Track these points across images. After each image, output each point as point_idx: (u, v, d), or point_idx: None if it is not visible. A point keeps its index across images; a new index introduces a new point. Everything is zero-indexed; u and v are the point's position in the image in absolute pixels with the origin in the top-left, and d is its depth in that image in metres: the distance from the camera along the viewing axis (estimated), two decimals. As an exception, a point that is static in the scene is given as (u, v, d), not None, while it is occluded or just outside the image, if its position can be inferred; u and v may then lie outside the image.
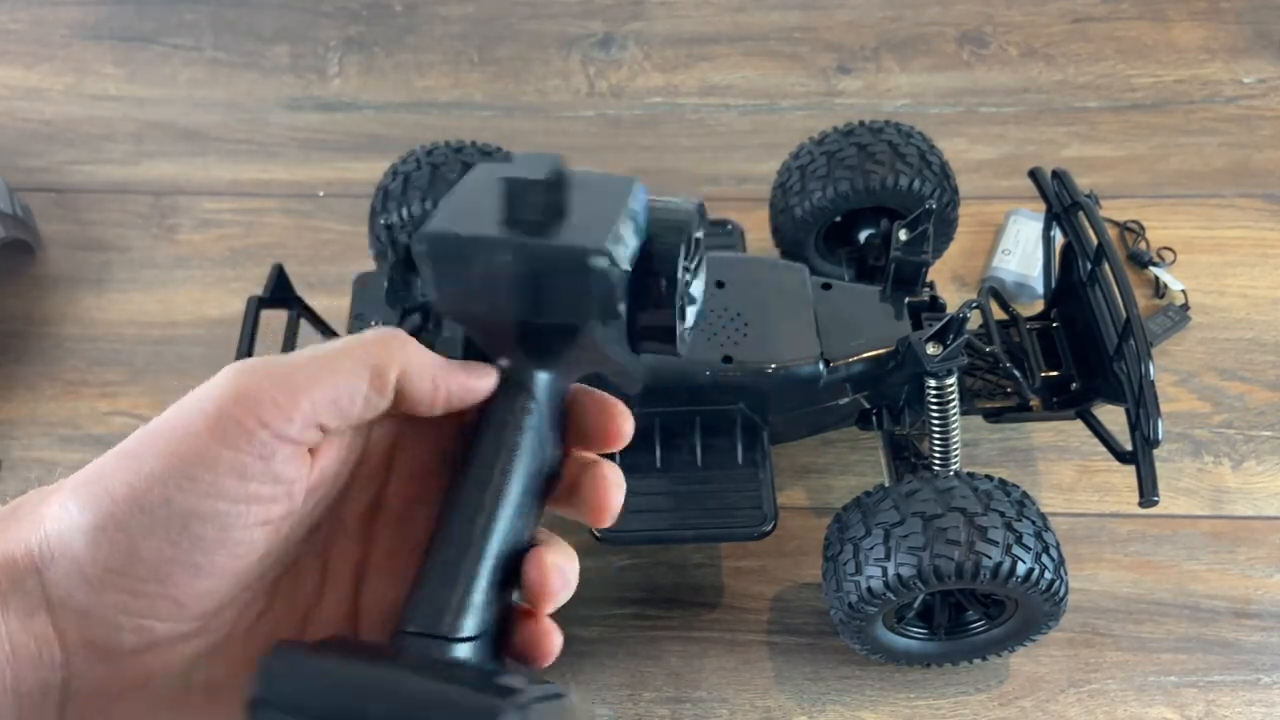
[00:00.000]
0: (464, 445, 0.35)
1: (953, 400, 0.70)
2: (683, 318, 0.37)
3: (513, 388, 0.35)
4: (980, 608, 0.73)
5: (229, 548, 0.30)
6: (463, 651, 0.31)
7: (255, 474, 0.29)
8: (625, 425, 0.37)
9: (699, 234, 0.37)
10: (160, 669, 0.30)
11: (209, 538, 0.29)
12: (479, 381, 0.34)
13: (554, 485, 0.36)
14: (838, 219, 0.84)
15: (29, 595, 0.29)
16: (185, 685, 0.31)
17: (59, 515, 0.29)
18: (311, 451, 0.32)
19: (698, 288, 0.38)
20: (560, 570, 0.34)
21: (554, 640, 0.34)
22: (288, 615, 0.33)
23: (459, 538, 0.32)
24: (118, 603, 0.29)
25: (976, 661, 0.75)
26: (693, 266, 0.36)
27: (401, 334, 0.33)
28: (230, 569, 0.30)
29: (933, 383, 0.69)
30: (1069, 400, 0.78)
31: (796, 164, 0.84)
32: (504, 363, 0.36)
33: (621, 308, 0.34)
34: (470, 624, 0.31)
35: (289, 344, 0.77)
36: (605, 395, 0.37)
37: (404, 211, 0.81)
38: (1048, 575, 0.64)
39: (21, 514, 0.30)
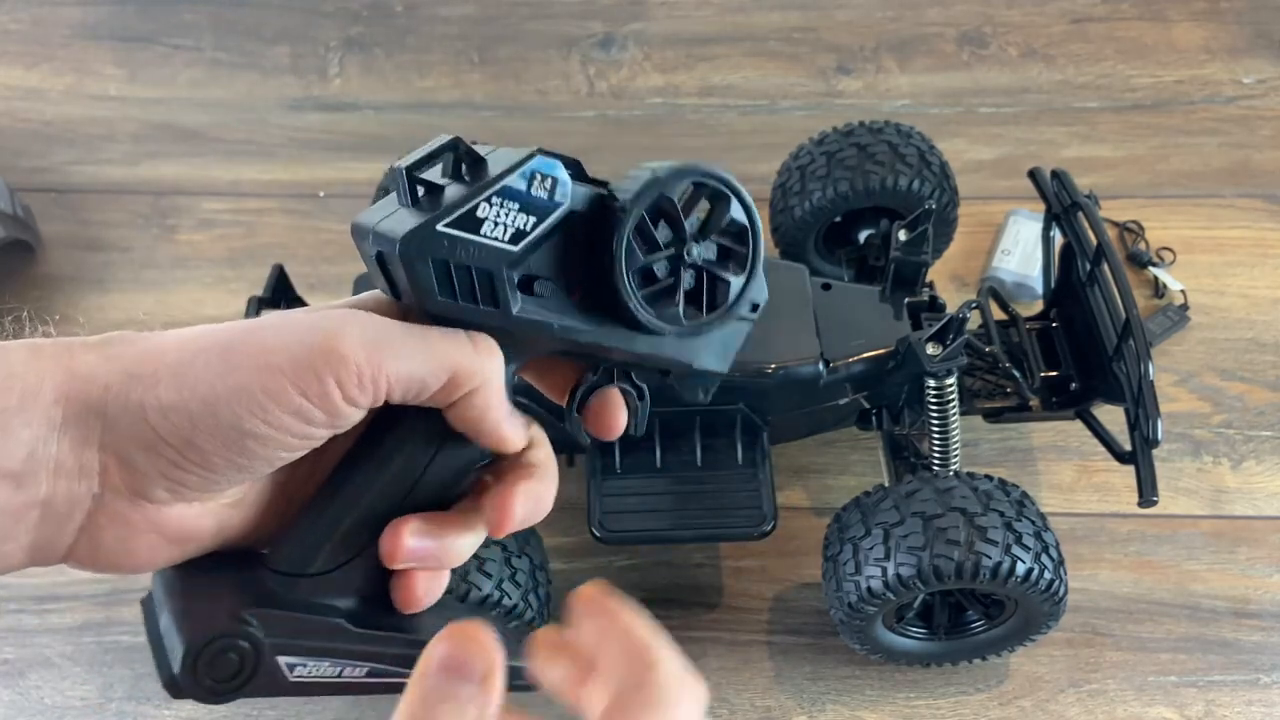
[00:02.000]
0: None
1: (952, 400, 0.70)
2: (659, 297, 0.35)
3: None
4: (980, 607, 0.73)
5: (272, 461, 0.33)
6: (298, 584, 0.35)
7: (317, 421, 0.32)
8: (617, 418, 0.38)
9: (675, 195, 0.34)
10: (178, 520, 0.34)
11: (259, 453, 0.32)
12: (515, 437, 0.36)
13: (470, 472, 0.37)
14: (837, 219, 0.85)
15: (88, 429, 0.32)
16: (199, 536, 0.35)
17: (144, 378, 0.33)
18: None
19: (702, 252, 0.35)
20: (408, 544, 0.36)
21: (416, 593, 0.36)
22: (296, 490, 0.37)
23: (328, 491, 0.36)
24: (161, 468, 0.32)
25: (976, 661, 0.75)
26: (686, 233, 0.35)
27: (495, 351, 0.35)
28: (263, 470, 0.34)
29: (932, 383, 0.69)
30: (1068, 400, 0.78)
31: (796, 164, 0.84)
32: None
33: (404, 288, 0.33)
34: (316, 564, 0.35)
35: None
36: (610, 389, 0.38)
37: (404, 212, 0.81)
38: (1047, 575, 0.64)
39: (110, 350, 0.34)
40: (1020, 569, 0.63)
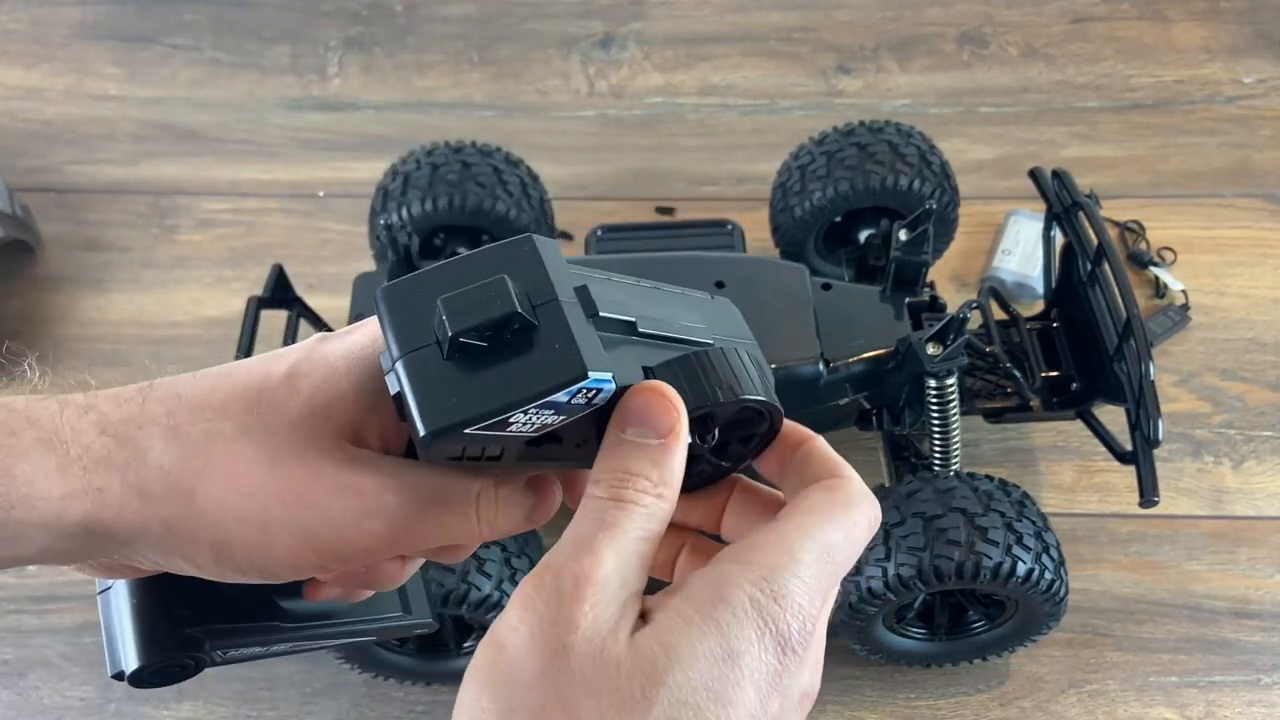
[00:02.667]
0: None
1: (953, 400, 0.70)
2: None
3: None
4: (980, 608, 0.73)
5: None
6: None
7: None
8: (546, 504, 0.35)
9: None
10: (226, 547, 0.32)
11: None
12: (549, 508, 0.35)
13: None
14: (838, 219, 0.84)
15: (150, 496, 0.30)
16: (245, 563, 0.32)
17: (185, 543, 0.31)
18: None
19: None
20: None
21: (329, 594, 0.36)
22: None
23: None
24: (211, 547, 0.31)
25: (977, 662, 0.75)
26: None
27: (501, 509, 0.34)
28: None
29: (933, 383, 0.69)
30: (1069, 400, 0.78)
31: (796, 164, 0.84)
32: None
33: (414, 436, 0.31)
34: None
35: (289, 344, 0.77)
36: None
37: (404, 211, 0.81)
38: (1048, 575, 0.64)
39: (183, 436, 0.31)
40: (1021, 569, 0.63)
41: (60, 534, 0.29)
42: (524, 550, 0.68)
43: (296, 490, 0.30)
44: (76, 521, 0.29)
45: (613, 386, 0.31)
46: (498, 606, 0.65)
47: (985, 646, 0.73)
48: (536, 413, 0.30)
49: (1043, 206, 0.78)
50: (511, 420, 0.30)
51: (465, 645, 0.73)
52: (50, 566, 0.84)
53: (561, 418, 0.31)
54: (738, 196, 1.03)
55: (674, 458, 0.30)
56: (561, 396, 0.30)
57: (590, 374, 0.30)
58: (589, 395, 0.30)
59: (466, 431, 0.30)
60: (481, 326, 0.29)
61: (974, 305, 0.70)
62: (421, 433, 0.29)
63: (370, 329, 0.33)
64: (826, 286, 0.74)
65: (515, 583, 0.66)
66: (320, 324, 0.82)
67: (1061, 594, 0.66)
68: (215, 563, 0.31)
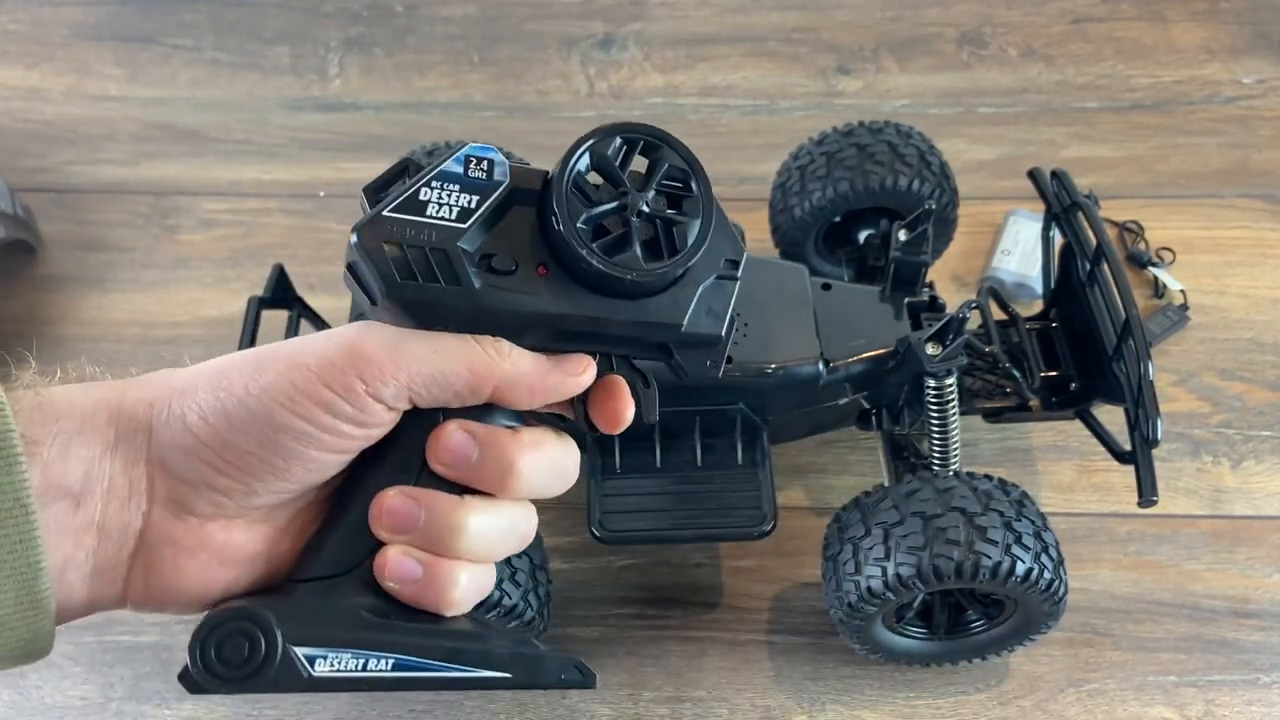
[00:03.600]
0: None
1: (952, 400, 0.70)
2: (614, 247, 0.36)
3: None
4: (980, 607, 0.73)
5: (304, 462, 0.35)
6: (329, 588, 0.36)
7: (344, 415, 0.34)
8: (622, 405, 0.38)
9: (606, 151, 0.36)
10: (224, 538, 0.36)
11: (292, 450, 0.34)
12: (576, 379, 0.37)
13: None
14: (837, 219, 0.85)
15: (136, 447, 0.35)
16: (249, 559, 0.36)
17: (184, 390, 0.35)
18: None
19: (649, 201, 0.37)
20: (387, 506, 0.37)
21: (400, 566, 0.37)
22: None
23: (344, 488, 0.37)
24: (203, 474, 0.34)
25: (976, 661, 0.76)
26: (626, 185, 0.36)
27: (504, 345, 0.36)
28: (301, 478, 0.35)
29: (932, 383, 0.69)
30: (1068, 400, 0.78)
31: (796, 164, 0.84)
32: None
33: (373, 286, 0.35)
34: (333, 564, 0.36)
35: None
36: (612, 375, 0.39)
37: (404, 212, 0.81)
38: (1047, 575, 0.64)
39: (151, 380, 0.37)
40: (1020, 569, 0.63)
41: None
42: (524, 550, 0.68)
43: (287, 341, 0.37)
44: (105, 421, 0.35)
45: (500, 155, 0.35)
46: (498, 606, 0.65)
47: (984, 646, 0.73)
48: (444, 190, 0.35)
49: (1042, 207, 0.78)
50: (424, 200, 0.35)
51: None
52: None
53: (475, 198, 0.35)
54: (737, 196, 1.03)
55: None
56: (455, 166, 0.35)
57: (470, 144, 0.35)
58: (484, 168, 0.35)
59: (386, 214, 0.35)
60: (386, 177, 0.37)
61: (973, 305, 0.70)
62: (352, 235, 0.35)
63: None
64: (826, 286, 0.75)
65: (516, 582, 0.66)
66: (321, 324, 0.82)
67: (1061, 593, 0.66)
68: (213, 394, 0.35)
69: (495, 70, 1.15)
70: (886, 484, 0.74)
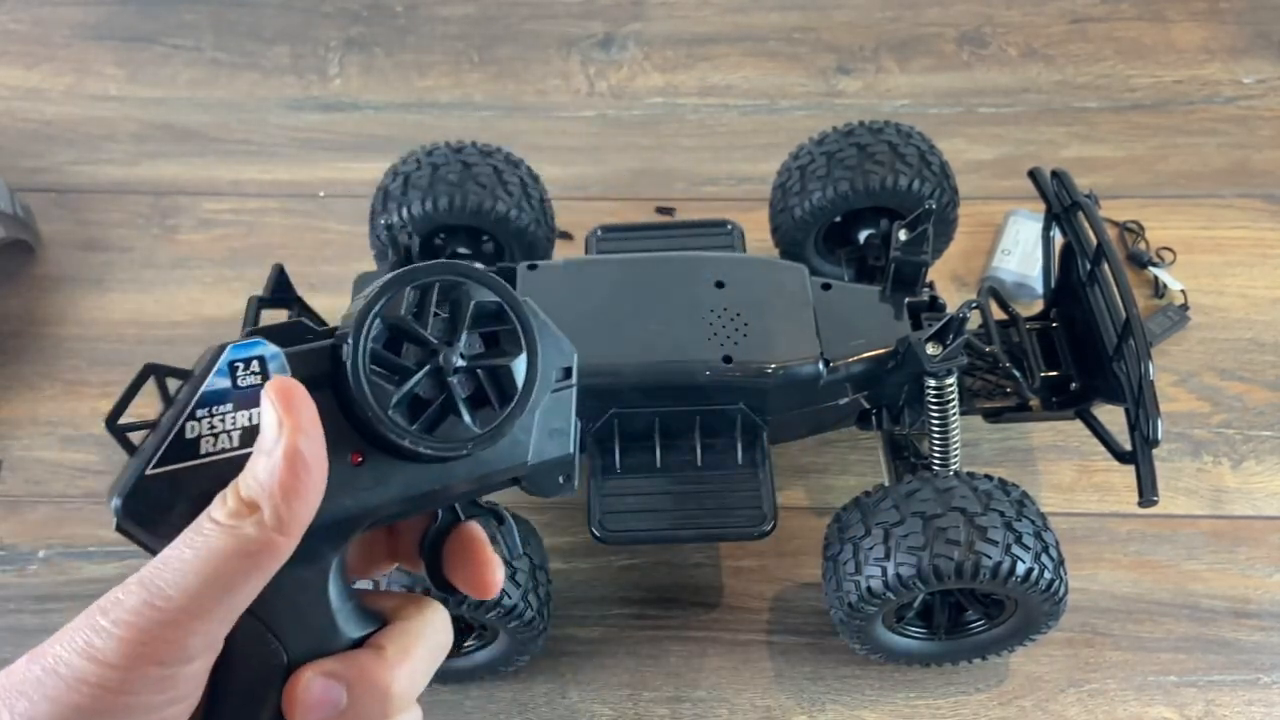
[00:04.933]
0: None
1: (952, 400, 0.70)
2: (439, 420, 0.31)
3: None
4: (980, 607, 0.73)
5: None
6: None
7: (158, 706, 0.28)
8: (487, 563, 0.34)
9: (401, 309, 0.30)
10: None
11: None
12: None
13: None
14: (837, 219, 0.85)
15: None
16: None
17: None
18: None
19: (463, 351, 0.31)
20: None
21: None
22: None
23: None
24: None
25: (976, 661, 0.76)
26: (432, 343, 0.31)
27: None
28: None
29: (932, 383, 0.69)
30: (1068, 400, 0.78)
31: (796, 164, 0.84)
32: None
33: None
34: None
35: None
36: (464, 526, 0.34)
37: (404, 212, 0.81)
38: (1047, 575, 0.64)
39: None
40: (1020, 569, 0.63)
41: None
42: (524, 550, 0.68)
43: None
44: None
45: (272, 348, 0.29)
46: (498, 606, 0.65)
47: (985, 646, 0.73)
48: (214, 417, 0.29)
49: (1042, 206, 0.78)
50: (192, 438, 0.28)
51: (466, 645, 0.73)
52: (50, 565, 0.84)
53: (253, 411, 0.29)
54: (737, 196, 1.03)
55: None
56: (220, 382, 0.29)
57: (229, 346, 0.29)
58: (256, 369, 0.29)
59: (149, 473, 0.28)
60: (125, 398, 0.30)
61: (973, 305, 0.70)
62: (112, 506, 0.28)
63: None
64: (826, 286, 0.75)
65: (515, 582, 0.66)
66: (322, 324, 0.82)
67: (1061, 593, 0.66)
68: None
69: (495, 70, 1.15)
70: (886, 484, 0.74)
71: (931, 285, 0.77)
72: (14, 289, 1.00)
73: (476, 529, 0.34)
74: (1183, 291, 0.94)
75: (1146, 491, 0.68)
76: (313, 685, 0.31)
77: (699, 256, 0.75)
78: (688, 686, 0.78)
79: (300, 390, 0.29)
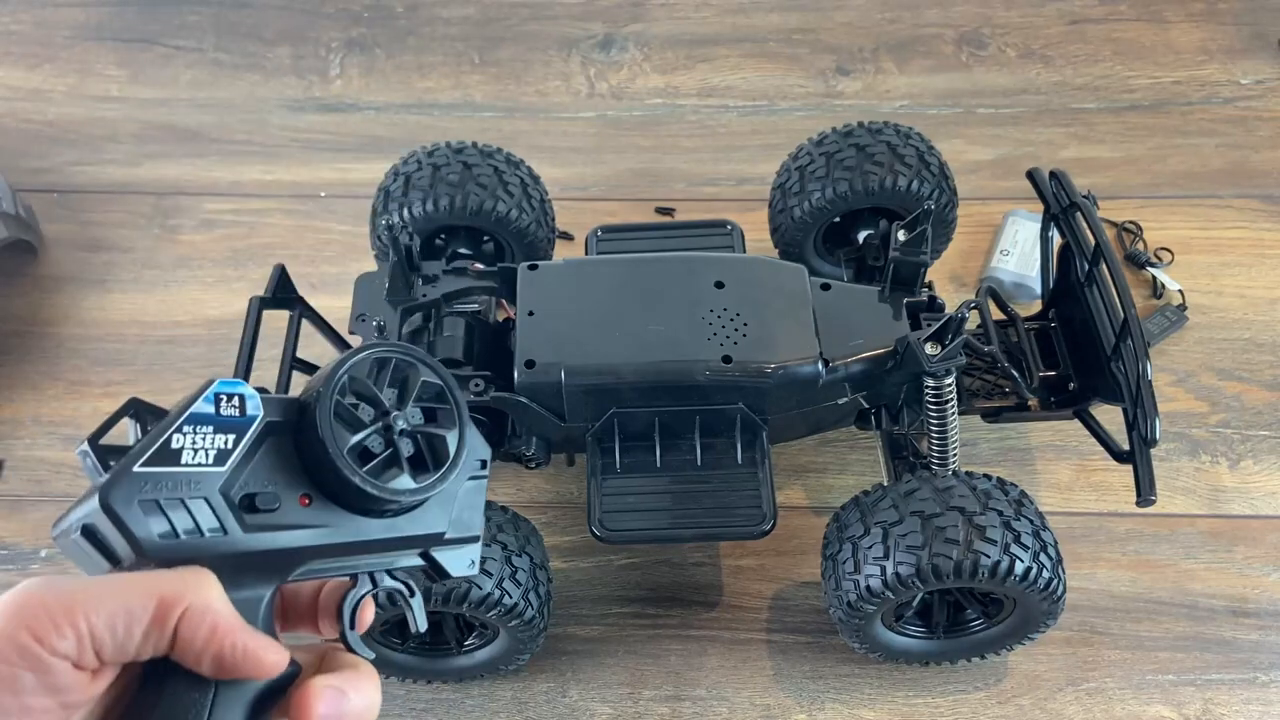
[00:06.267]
0: None
1: (951, 400, 0.70)
2: (383, 469, 0.36)
3: None
4: (978, 606, 0.73)
5: None
6: None
7: (28, 688, 0.29)
8: (267, 657, 0.34)
9: (361, 374, 0.36)
10: None
11: None
12: (264, 656, 0.33)
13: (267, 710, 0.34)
14: (837, 219, 0.85)
15: None
16: None
17: None
18: (94, 673, 0.31)
19: (409, 418, 0.37)
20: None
21: None
22: None
23: None
24: None
25: (975, 660, 0.76)
26: (386, 405, 0.36)
27: (205, 573, 0.32)
28: None
29: (931, 382, 0.70)
30: (1067, 400, 0.78)
31: (795, 165, 0.85)
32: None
33: (120, 549, 0.32)
34: None
35: (291, 344, 0.77)
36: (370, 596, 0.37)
37: (405, 212, 0.81)
38: (1045, 574, 0.64)
39: None
40: (1019, 568, 0.63)
41: None
42: (524, 549, 0.68)
43: None
44: None
45: (250, 390, 0.34)
46: (499, 605, 0.65)
47: (983, 644, 0.74)
48: (196, 434, 0.33)
49: (1040, 207, 0.78)
50: (177, 448, 0.33)
51: (467, 643, 0.74)
52: (53, 564, 0.85)
53: (231, 438, 0.34)
54: (737, 197, 1.03)
55: None
56: (205, 407, 0.33)
57: (218, 380, 0.34)
58: (236, 405, 0.34)
59: (136, 470, 0.32)
60: (107, 424, 0.35)
61: (972, 305, 0.70)
62: (97, 494, 0.32)
63: None
64: (826, 286, 0.75)
65: (516, 581, 0.66)
66: (322, 324, 0.83)
67: (1059, 592, 0.66)
68: None
69: (495, 71, 1.15)
70: (886, 483, 0.74)
71: (930, 285, 0.77)
72: (16, 289, 1.00)
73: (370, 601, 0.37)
74: (1180, 292, 0.94)
75: (1144, 491, 0.68)
76: (324, 693, 0.33)
77: (699, 257, 0.76)
78: (687, 685, 0.78)
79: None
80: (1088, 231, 0.72)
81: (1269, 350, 0.92)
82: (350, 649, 0.37)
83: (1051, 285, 0.81)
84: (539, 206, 0.85)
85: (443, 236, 0.85)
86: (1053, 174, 0.76)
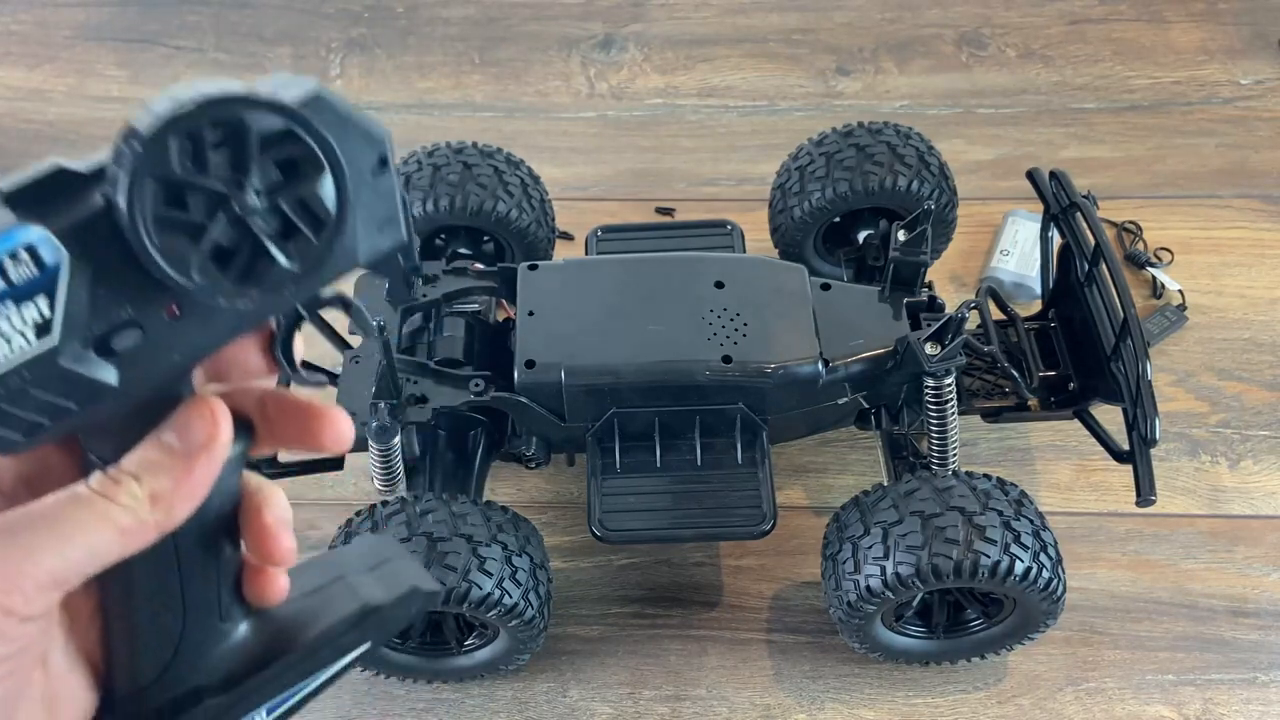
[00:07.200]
0: None
1: (951, 400, 0.70)
2: (251, 265, 0.27)
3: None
4: (978, 606, 0.73)
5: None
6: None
7: None
8: (333, 427, 0.32)
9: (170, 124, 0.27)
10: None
11: None
12: (204, 448, 0.30)
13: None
14: (837, 219, 0.85)
15: None
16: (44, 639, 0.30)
17: None
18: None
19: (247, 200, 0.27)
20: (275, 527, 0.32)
21: (279, 585, 0.33)
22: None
23: (115, 611, 0.32)
24: None
25: (975, 660, 0.76)
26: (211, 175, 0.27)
27: (127, 480, 0.29)
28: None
29: (931, 382, 0.70)
30: (1067, 400, 0.78)
31: (795, 165, 0.85)
32: None
33: None
34: (150, 673, 0.32)
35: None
36: (302, 399, 0.33)
37: (405, 212, 0.81)
38: (1045, 574, 0.64)
39: None
40: (1018, 568, 0.63)
41: None
42: (524, 549, 0.68)
43: None
44: None
45: (36, 233, 0.27)
46: (499, 605, 0.65)
47: (983, 644, 0.74)
48: None
49: (1040, 207, 0.78)
50: None
51: (467, 643, 0.74)
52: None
53: (42, 298, 0.26)
54: (737, 197, 1.03)
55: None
56: None
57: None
58: (30, 259, 0.26)
59: None
60: None
61: (972, 305, 0.70)
62: None
63: None
64: (826, 287, 0.75)
65: (516, 581, 0.66)
66: (323, 324, 0.83)
67: (1059, 592, 0.66)
68: None
69: (495, 71, 1.15)
70: (886, 483, 0.74)
71: (930, 285, 0.77)
72: (16, 289, 1.00)
73: (297, 395, 0.33)
74: (1180, 292, 0.94)
75: (1144, 491, 0.68)
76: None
77: (699, 257, 0.76)
78: (687, 685, 0.78)
79: (227, 416, 0.29)
80: (1088, 231, 0.72)
81: (1269, 350, 0.92)
82: (304, 383, 0.32)
83: (1051, 285, 0.81)
84: (539, 206, 0.85)
85: (443, 236, 0.85)
86: (1052, 174, 0.76)
